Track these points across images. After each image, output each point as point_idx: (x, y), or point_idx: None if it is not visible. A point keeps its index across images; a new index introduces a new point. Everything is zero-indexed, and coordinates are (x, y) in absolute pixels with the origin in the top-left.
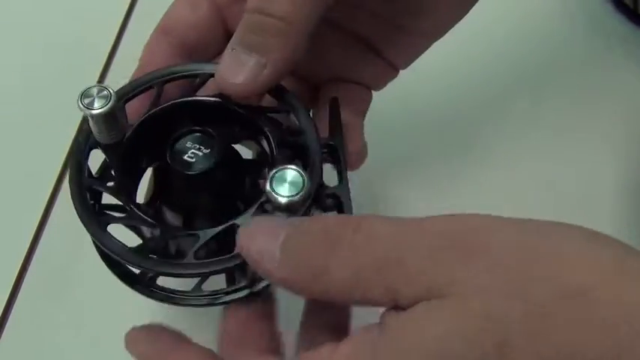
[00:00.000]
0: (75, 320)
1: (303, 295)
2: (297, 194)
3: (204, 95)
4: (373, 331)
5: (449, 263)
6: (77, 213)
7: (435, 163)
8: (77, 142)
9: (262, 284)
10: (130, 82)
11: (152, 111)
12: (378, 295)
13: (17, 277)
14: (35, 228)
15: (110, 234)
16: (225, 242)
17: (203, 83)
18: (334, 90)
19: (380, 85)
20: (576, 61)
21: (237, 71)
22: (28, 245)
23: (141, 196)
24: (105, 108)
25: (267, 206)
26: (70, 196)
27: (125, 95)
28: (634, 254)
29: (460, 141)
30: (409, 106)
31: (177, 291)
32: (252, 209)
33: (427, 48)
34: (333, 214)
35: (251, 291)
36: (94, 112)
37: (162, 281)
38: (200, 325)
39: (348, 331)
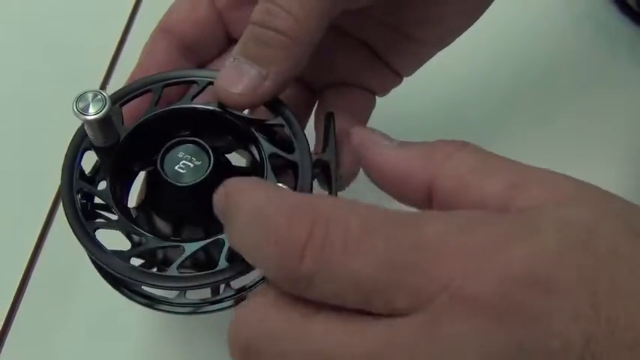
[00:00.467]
0: (78, 327)
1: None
2: None
3: (201, 103)
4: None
5: None
6: (66, 218)
7: None
8: (70, 143)
9: (246, 294)
10: (128, 85)
11: (148, 116)
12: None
13: (20, 284)
14: (38, 235)
15: (94, 237)
16: (212, 254)
17: (202, 90)
18: (338, 94)
19: (383, 91)
20: (580, 62)
21: (237, 81)
22: (30, 252)
23: (133, 198)
24: (100, 114)
25: None
26: None
27: (122, 98)
28: None
29: None
30: (411, 108)
31: (161, 297)
32: None
33: (432, 56)
34: None
35: (235, 303)
36: (89, 117)
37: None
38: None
39: None
